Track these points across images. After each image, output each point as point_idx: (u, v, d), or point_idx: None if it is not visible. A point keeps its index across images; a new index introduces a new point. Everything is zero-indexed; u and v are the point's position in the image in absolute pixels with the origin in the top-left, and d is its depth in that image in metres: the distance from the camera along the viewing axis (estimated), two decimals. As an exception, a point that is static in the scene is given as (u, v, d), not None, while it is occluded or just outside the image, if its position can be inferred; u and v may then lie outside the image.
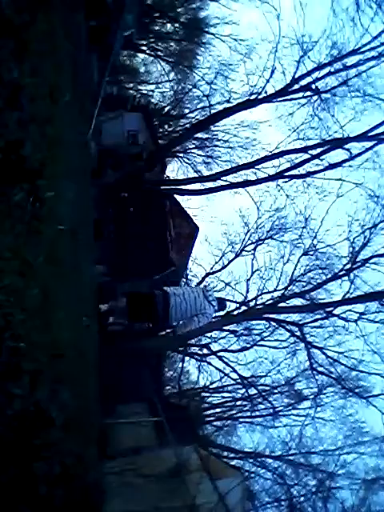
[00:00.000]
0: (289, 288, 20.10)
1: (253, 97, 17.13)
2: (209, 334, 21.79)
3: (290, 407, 22.58)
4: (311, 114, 17.45)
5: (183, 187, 18.86)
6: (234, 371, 21.47)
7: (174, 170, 26.24)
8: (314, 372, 20.09)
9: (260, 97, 16.95)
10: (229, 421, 24.81)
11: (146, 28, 24.84)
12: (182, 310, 7.31)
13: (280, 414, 22.43)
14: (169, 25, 26.32)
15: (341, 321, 19.00)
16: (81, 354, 5.70)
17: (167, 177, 23.46)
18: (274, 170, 18.06)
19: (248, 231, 21.54)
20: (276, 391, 22.52)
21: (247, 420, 23.64)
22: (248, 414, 23.57)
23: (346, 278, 18.70)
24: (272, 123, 21.28)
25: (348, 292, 18.38)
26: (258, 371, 22.22)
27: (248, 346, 21.61)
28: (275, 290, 20.42)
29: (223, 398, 24.96)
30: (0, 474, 2.45)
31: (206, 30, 25.11)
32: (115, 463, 9.62)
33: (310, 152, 17.49)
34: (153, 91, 28.92)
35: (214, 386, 24.09)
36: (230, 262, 22.34)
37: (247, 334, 21.50)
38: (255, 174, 18.32)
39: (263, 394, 21.94)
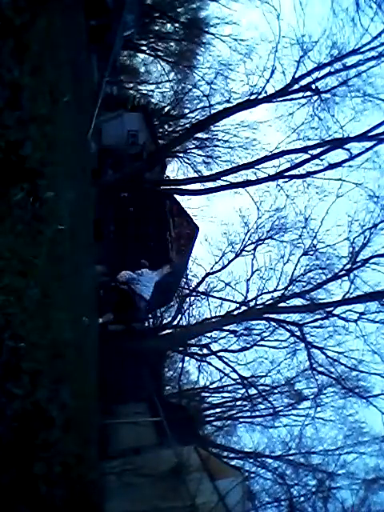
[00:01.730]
0: (289, 288, 20.12)
1: (253, 97, 17.14)
2: (209, 334, 21.84)
3: (290, 407, 22.61)
4: (311, 113, 17.49)
5: (183, 187, 18.86)
6: (234, 371, 21.50)
7: (174, 170, 26.28)
8: (314, 372, 20.12)
9: (260, 97, 16.95)
10: (229, 421, 24.82)
11: (146, 28, 24.83)
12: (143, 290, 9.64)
13: (280, 414, 22.47)
14: (169, 25, 26.30)
15: (341, 321, 19.05)
16: (81, 354, 5.70)
17: (167, 177, 23.45)
18: (274, 169, 18.10)
19: (248, 231, 21.62)
20: (276, 391, 22.55)
21: (247, 420, 23.67)
22: (248, 413, 23.60)
23: (345, 278, 18.74)
24: (272, 123, 21.26)
25: (348, 292, 18.45)
26: (258, 371, 22.30)
27: (248, 346, 21.64)
28: (275, 290, 20.45)
29: (223, 397, 25.00)
30: (0, 474, 2.45)
31: (206, 29, 25.10)
32: (115, 463, 9.63)
33: (310, 152, 17.49)
34: (153, 91, 28.95)
35: (214, 386, 24.13)
36: (229, 262, 22.40)
37: (247, 334, 21.52)
38: (255, 173, 18.36)
39: (263, 393, 21.95)
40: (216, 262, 22.62)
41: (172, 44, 27.17)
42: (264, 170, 18.21)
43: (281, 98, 17.45)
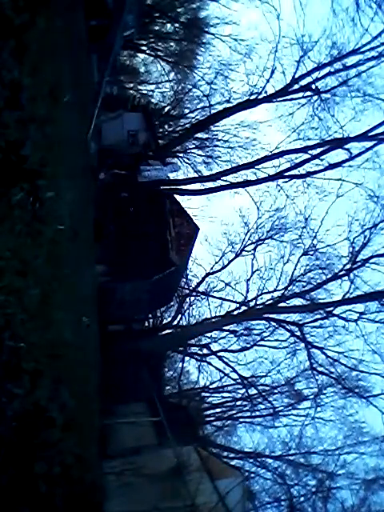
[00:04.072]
0: (289, 288, 20.14)
1: (253, 97, 17.17)
2: (209, 334, 21.85)
3: (290, 407, 22.61)
4: (311, 114, 17.50)
5: (183, 187, 18.87)
6: (234, 371, 21.52)
7: (174, 169, 26.20)
8: (314, 372, 20.13)
9: (260, 97, 16.98)
10: (229, 421, 24.81)
11: (146, 28, 24.80)
12: None
13: (280, 414, 22.46)
14: (169, 25, 26.25)
15: (341, 321, 19.07)
16: (81, 354, 5.70)
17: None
18: (274, 169, 18.12)
19: (248, 231, 21.63)
20: (276, 391, 22.55)
21: (247, 420, 23.66)
22: (248, 413, 23.59)
23: (346, 277, 18.76)
24: (272, 123, 21.19)
25: (348, 292, 18.47)
26: (258, 371, 22.30)
27: (248, 346, 21.66)
28: (275, 290, 20.48)
29: (223, 397, 25.00)
30: (0, 474, 2.45)
31: (206, 30, 25.06)
32: (115, 463, 9.63)
33: (310, 152, 17.50)
34: (153, 91, 28.90)
35: (214, 386, 24.14)
36: (230, 262, 22.41)
37: (247, 334, 21.53)
38: (255, 174, 18.38)
39: (263, 393, 21.96)
40: (216, 262, 22.66)
41: (172, 44, 27.13)
42: (264, 169, 18.25)
43: (281, 98, 17.47)
